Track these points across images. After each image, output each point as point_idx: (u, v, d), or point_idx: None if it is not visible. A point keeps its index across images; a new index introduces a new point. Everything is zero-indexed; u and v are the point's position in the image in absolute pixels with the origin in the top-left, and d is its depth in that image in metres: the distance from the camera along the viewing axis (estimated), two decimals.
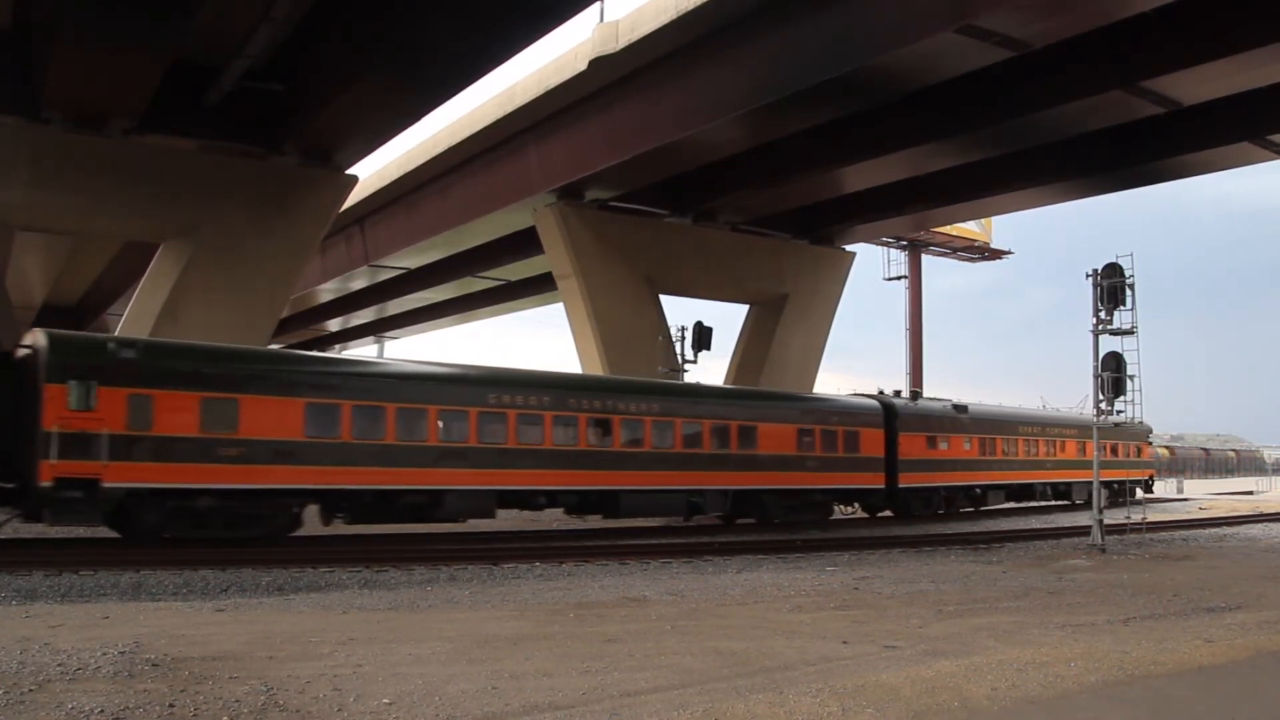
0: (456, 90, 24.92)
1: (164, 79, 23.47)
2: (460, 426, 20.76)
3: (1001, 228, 55.51)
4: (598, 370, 33.79)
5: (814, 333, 41.17)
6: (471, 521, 21.82)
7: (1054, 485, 36.52)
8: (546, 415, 21.81)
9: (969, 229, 52.28)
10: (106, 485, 16.72)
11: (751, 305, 40.70)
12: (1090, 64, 22.84)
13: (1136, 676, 8.63)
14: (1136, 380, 22.66)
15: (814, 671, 8.57)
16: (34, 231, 35.15)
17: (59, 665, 8.09)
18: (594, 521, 24.26)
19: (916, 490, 30.16)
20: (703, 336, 31.77)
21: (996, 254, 56.51)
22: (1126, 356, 22.57)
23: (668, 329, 33.80)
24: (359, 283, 51.86)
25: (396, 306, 59.20)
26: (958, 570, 17.62)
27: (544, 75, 28.30)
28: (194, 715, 6.79)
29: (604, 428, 22.86)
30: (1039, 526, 28.34)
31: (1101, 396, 22.64)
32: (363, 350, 73.41)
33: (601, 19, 25.83)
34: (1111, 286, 22.29)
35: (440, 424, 20.54)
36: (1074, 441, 36.52)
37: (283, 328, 52.23)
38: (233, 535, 18.02)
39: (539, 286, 47.62)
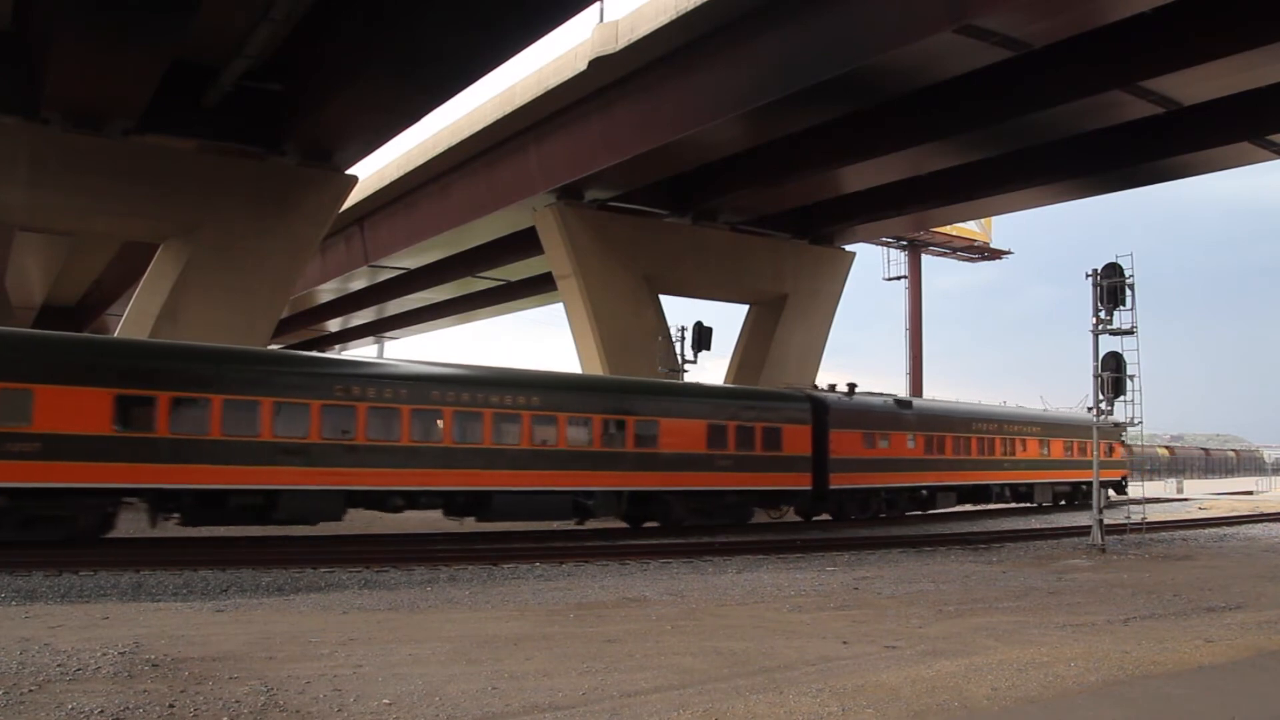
0: (456, 90, 24.92)
1: (164, 79, 23.52)
2: (300, 420, 18.92)
3: (1001, 227, 55.71)
4: (598, 370, 33.82)
5: (814, 333, 41.18)
6: (469, 521, 21.67)
7: (1013, 487, 33.87)
8: (404, 409, 20.06)
9: (968, 229, 52.37)
10: None
11: (751, 305, 40.74)
12: (1090, 64, 22.85)
13: (1136, 676, 8.62)
14: (1136, 380, 22.69)
15: (814, 671, 8.58)
16: (33, 231, 35.19)
17: (59, 665, 8.10)
18: (594, 522, 24.18)
19: (851, 492, 27.84)
20: (702, 336, 31.72)
21: (996, 254, 56.63)
22: (1126, 356, 22.59)
23: (667, 329, 33.75)
24: (359, 283, 51.89)
25: (396, 306, 59.22)
26: (957, 570, 17.64)
27: (544, 75, 28.32)
28: (194, 716, 6.80)
29: (473, 422, 21.06)
30: (1039, 526, 28.29)
31: (1102, 396, 22.66)
32: (362, 350, 73.26)
33: (601, 19, 25.90)
34: (1111, 286, 22.31)
35: (276, 417, 18.69)
36: (1035, 440, 34.33)
37: (283, 328, 52.32)
38: (29, 539, 16.46)
39: (539, 286, 47.66)
